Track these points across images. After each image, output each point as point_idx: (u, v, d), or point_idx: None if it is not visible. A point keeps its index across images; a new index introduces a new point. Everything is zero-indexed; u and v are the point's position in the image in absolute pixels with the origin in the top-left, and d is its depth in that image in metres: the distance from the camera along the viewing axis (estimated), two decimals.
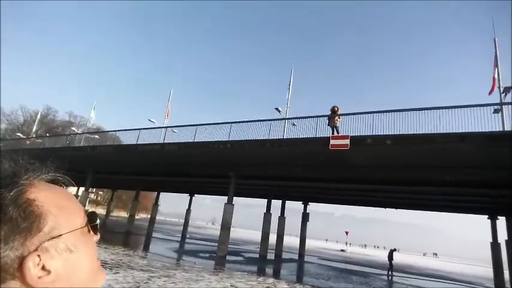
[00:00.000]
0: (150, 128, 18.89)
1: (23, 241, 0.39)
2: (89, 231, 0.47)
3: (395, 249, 19.62)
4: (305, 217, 24.70)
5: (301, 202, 25.04)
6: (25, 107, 58.97)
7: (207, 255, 16.92)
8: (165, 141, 16.97)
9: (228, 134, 14.40)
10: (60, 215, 0.42)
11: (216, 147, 14.50)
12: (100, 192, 72.14)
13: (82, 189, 25.75)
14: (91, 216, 0.48)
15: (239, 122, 14.83)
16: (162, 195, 32.01)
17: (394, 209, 21.35)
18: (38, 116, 37.59)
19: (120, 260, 10.51)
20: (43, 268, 0.39)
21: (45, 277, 0.39)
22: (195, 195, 27.91)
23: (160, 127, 18.86)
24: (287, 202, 23.61)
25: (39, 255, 0.39)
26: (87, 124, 29.72)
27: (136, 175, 20.38)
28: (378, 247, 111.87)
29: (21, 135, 35.15)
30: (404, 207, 20.81)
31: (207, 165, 16.55)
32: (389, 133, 10.98)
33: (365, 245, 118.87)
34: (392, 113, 11.24)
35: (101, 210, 43.82)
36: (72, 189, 43.32)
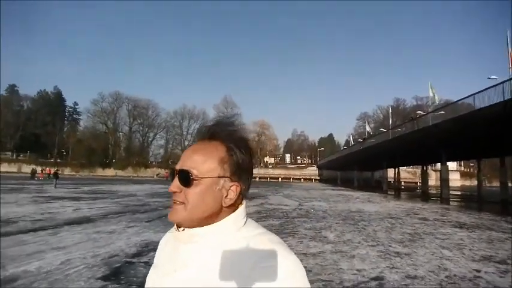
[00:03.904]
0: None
1: None
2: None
3: None
4: None
5: None
6: (380, 106, 70.87)
7: None
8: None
9: None
10: None
11: None
12: (471, 164, 68.31)
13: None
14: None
15: None
16: None
17: None
18: (390, 110, 44.51)
19: (481, 222, 11.16)
20: None
21: None
22: None
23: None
24: None
25: None
26: (429, 103, 31.33)
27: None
28: None
29: (383, 130, 43.19)
30: None
31: None
32: None
33: None
34: None
35: (475, 182, 41.93)
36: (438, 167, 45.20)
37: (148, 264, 4.86)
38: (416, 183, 56.39)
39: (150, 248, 5.99)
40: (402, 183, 46.62)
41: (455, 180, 41.72)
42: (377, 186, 40.45)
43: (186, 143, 75.81)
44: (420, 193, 31.75)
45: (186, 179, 0.64)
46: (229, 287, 0.58)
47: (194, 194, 0.64)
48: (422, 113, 35.38)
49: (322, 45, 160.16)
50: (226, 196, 0.66)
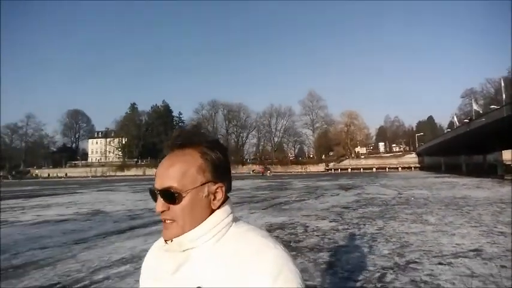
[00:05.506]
0: None
1: None
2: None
3: None
4: None
5: None
6: (490, 78, 61.20)
7: None
8: None
9: None
10: None
11: None
12: None
13: None
14: None
15: None
16: None
17: None
18: (502, 82, 38.44)
19: None
20: None
21: None
22: None
23: None
24: None
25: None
26: None
27: None
28: None
29: (495, 107, 37.67)
30: None
31: None
32: None
33: None
34: None
35: None
36: None
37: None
38: None
39: (275, 227, 7.84)
40: None
41: None
42: (491, 171, 35.59)
43: (276, 139, 79.58)
44: None
45: (171, 197, 0.64)
46: (225, 284, 0.59)
47: (183, 209, 0.64)
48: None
49: (415, 15, 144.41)
50: (214, 199, 0.67)
